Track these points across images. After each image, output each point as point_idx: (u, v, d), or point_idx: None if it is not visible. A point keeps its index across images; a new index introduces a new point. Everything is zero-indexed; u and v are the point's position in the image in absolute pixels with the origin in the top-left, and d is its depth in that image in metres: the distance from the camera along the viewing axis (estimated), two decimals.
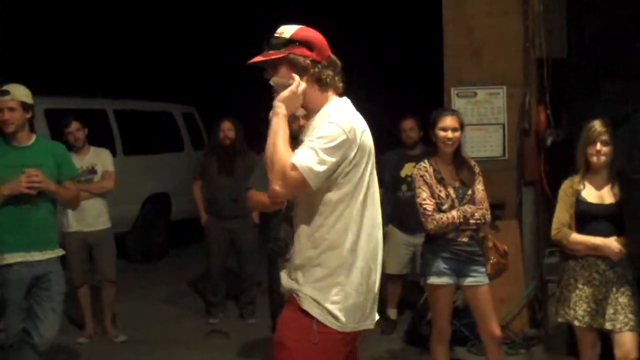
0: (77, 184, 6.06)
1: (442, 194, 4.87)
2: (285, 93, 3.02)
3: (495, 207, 5.88)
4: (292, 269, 3.09)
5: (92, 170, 6.74)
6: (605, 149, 4.58)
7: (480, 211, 4.89)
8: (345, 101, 3.12)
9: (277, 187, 2.91)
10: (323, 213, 2.97)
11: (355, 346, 3.21)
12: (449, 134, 4.89)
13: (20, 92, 4.80)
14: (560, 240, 4.67)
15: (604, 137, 4.58)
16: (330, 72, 3.07)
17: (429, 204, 4.85)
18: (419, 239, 6.50)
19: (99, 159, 6.82)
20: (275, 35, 3.07)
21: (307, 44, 3.04)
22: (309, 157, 2.87)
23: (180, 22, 15.88)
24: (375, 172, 3.11)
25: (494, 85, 6.62)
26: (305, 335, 2.97)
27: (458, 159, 5.00)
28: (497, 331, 4.94)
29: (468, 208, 4.85)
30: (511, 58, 6.59)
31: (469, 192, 4.92)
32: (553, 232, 4.71)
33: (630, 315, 4.49)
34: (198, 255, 8.70)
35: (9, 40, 13.48)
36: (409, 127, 6.79)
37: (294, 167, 2.87)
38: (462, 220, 4.82)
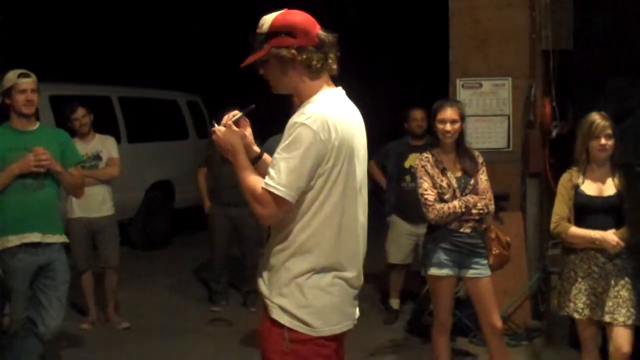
0: (82, 170, 6.12)
1: (444, 184, 4.87)
2: (219, 141, 2.99)
3: (499, 199, 5.87)
4: (264, 269, 2.98)
5: (97, 157, 6.77)
6: (609, 143, 4.57)
7: (483, 201, 4.88)
8: (336, 92, 2.98)
9: (258, 210, 2.83)
10: (297, 213, 2.85)
11: (341, 347, 3.06)
12: (447, 127, 4.88)
13: (34, 76, 4.89)
14: (559, 234, 4.67)
15: (608, 131, 4.56)
16: (320, 55, 2.90)
17: (430, 194, 4.84)
18: (422, 229, 6.51)
19: (104, 146, 6.85)
20: (257, 31, 2.94)
21: (288, 32, 2.87)
22: (277, 173, 2.77)
23: (186, 10, 15.85)
24: (359, 163, 2.96)
25: (499, 76, 6.61)
26: (279, 345, 2.87)
27: (460, 150, 4.99)
28: (499, 323, 4.94)
29: (470, 198, 4.85)
30: (517, 50, 6.58)
31: (472, 182, 4.91)
32: (552, 225, 4.70)
33: (632, 309, 4.49)
34: (201, 243, 8.71)
35: (13, 27, 13.50)
36: (420, 117, 6.76)
37: (263, 189, 2.79)
38: (463, 210, 4.81)
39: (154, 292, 8.12)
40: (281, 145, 2.81)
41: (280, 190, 2.77)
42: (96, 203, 6.70)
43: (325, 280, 2.88)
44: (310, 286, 2.86)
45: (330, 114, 2.83)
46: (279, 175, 2.77)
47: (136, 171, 9.50)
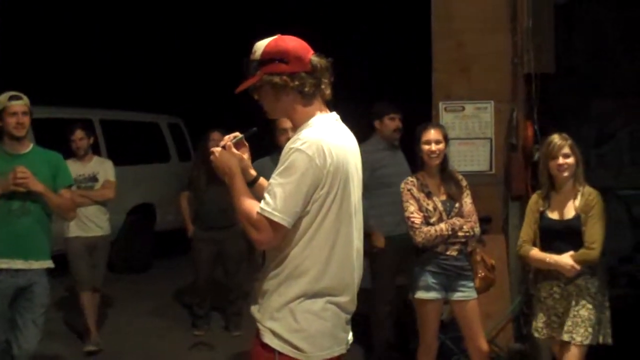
0: (77, 190, 6.17)
1: (430, 207, 4.89)
2: (217, 162, 3.01)
3: (482, 222, 5.87)
4: (258, 294, 2.97)
5: (93, 178, 6.86)
6: (567, 162, 4.62)
7: (469, 224, 4.91)
8: (330, 117, 3.00)
9: (254, 235, 2.84)
10: (292, 238, 2.85)
11: None
12: (433, 147, 4.91)
13: (26, 99, 4.90)
14: (521, 257, 4.82)
15: (565, 151, 4.63)
16: (312, 81, 2.91)
17: (416, 217, 4.86)
18: None
19: (102, 168, 6.95)
20: (250, 57, 2.97)
21: (280, 58, 2.90)
22: (273, 199, 2.78)
23: (167, 33, 15.86)
24: (354, 188, 2.98)
25: (482, 100, 6.65)
26: None
27: (445, 173, 5.03)
28: (485, 346, 4.95)
29: (456, 221, 4.87)
30: (499, 73, 6.61)
31: (457, 205, 4.94)
32: (517, 247, 4.82)
33: (590, 329, 4.54)
34: (182, 266, 8.67)
35: None
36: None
37: (259, 214, 2.80)
38: (450, 232, 4.83)
39: (134, 315, 8.05)
40: (277, 171, 2.82)
41: (276, 216, 2.78)
42: (92, 222, 6.77)
43: (318, 305, 2.88)
44: (303, 311, 2.86)
45: (326, 139, 2.85)
46: (274, 200, 2.78)
47: (118, 194, 9.42)
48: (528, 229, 4.75)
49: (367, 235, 5.79)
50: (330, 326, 2.91)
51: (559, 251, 4.60)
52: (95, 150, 8.44)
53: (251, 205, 2.88)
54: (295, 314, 2.86)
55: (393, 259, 6.08)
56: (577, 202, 4.65)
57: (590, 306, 4.56)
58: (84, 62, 15.13)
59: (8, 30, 13.91)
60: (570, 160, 4.63)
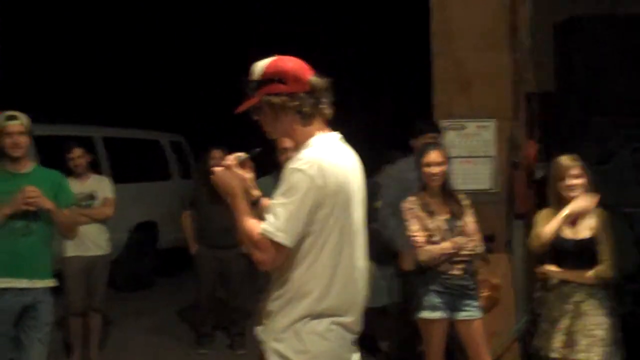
0: (77, 209, 6.12)
1: (433, 226, 4.90)
2: (219, 182, 3.01)
3: (485, 240, 5.87)
4: (261, 314, 2.99)
5: (91, 197, 6.80)
6: (576, 182, 4.64)
7: (472, 242, 4.92)
8: (330, 137, 3.01)
9: (256, 255, 2.85)
10: (295, 259, 2.86)
11: None
12: (433, 169, 4.93)
13: (25, 118, 4.87)
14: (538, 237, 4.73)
15: (574, 172, 4.65)
16: (311, 101, 2.93)
17: (420, 236, 4.87)
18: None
19: (100, 186, 6.89)
20: (249, 78, 2.99)
21: (279, 79, 2.91)
22: (275, 219, 2.79)
23: (169, 51, 15.92)
24: (356, 208, 2.98)
25: (483, 118, 6.66)
26: None
27: (446, 192, 5.04)
28: None
29: (460, 239, 4.88)
30: (500, 92, 6.62)
31: (459, 223, 4.95)
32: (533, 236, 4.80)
33: (607, 349, 4.54)
34: (185, 284, 8.67)
35: None
36: None
37: (262, 235, 2.81)
38: (453, 251, 4.84)
39: (138, 333, 8.04)
40: (279, 191, 2.84)
41: (278, 236, 2.79)
42: (90, 241, 6.70)
43: (322, 325, 2.88)
44: (308, 331, 2.87)
45: (326, 159, 2.86)
46: (277, 220, 2.79)
47: (120, 212, 9.41)
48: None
49: (396, 255, 5.78)
50: (336, 347, 2.92)
51: (569, 269, 4.61)
52: (96, 167, 8.48)
53: (253, 226, 2.88)
54: (300, 335, 2.87)
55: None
56: (590, 221, 4.67)
57: (605, 326, 4.56)
58: (87, 79, 15.18)
59: (11, 47, 13.98)
60: (579, 180, 4.65)
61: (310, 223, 2.83)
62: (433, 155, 4.95)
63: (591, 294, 4.59)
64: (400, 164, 6.10)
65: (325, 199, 2.83)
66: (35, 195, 4.69)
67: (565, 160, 4.71)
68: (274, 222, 2.80)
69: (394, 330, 6.85)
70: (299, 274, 2.87)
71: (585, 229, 4.68)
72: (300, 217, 2.80)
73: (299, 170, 2.82)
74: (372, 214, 6.54)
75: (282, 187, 2.84)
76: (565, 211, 4.62)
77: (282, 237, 2.79)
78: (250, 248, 2.88)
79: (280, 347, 2.88)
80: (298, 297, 2.87)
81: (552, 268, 4.69)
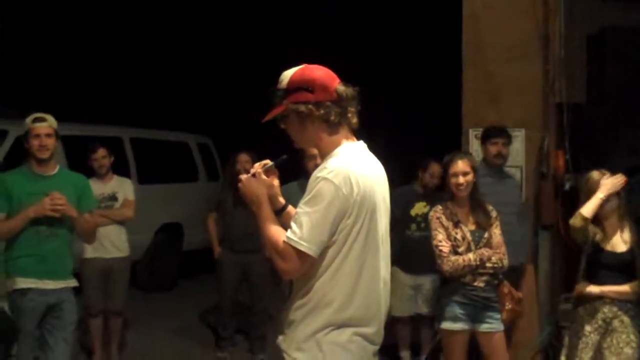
0: (97, 210, 6.15)
1: (459, 236, 4.86)
2: (245, 190, 3.01)
3: None
4: (285, 324, 2.97)
5: (113, 197, 6.79)
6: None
7: (497, 255, 4.87)
8: (357, 146, 3.00)
9: (280, 264, 2.85)
10: (318, 268, 2.85)
11: None
12: (460, 179, 4.89)
13: (52, 120, 4.91)
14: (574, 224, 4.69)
15: None
16: (337, 110, 2.92)
17: (445, 246, 4.83)
18: (422, 280, 6.47)
19: (121, 188, 6.88)
20: (277, 87, 2.98)
21: (306, 87, 2.91)
22: (299, 228, 2.78)
23: (199, 53, 15.99)
24: (380, 218, 2.97)
25: (512, 128, 6.60)
26: None
27: (474, 202, 4.99)
28: None
29: (485, 251, 4.83)
30: (530, 102, 6.58)
31: (486, 235, 4.90)
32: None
33: None
34: (208, 286, 8.66)
35: (24, 67, 13.63)
36: (437, 173, 6.46)
37: (286, 243, 2.80)
38: (478, 263, 4.79)
39: (159, 335, 8.05)
40: (304, 200, 2.83)
41: (302, 245, 2.77)
42: (110, 243, 6.69)
43: (344, 336, 2.87)
44: (329, 342, 2.85)
45: (352, 168, 2.84)
46: (301, 229, 2.78)
47: (146, 212, 9.48)
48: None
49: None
50: (357, 358, 2.90)
51: (610, 284, 4.56)
52: (124, 168, 8.54)
53: (278, 234, 2.88)
54: (321, 345, 2.85)
55: None
56: (626, 235, 4.64)
57: (634, 344, 4.51)
58: (115, 80, 15.29)
59: (41, 47, 14.13)
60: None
61: (335, 232, 2.82)
62: (460, 165, 4.90)
63: (623, 310, 4.54)
64: None
65: (350, 209, 2.81)
66: (61, 202, 4.71)
67: (596, 175, 4.68)
68: (298, 231, 2.79)
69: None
70: (322, 283, 2.86)
71: (621, 243, 4.64)
72: (325, 227, 2.79)
73: (325, 179, 2.80)
74: (405, 222, 6.59)
75: (308, 195, 2.83)
76: (600, 195, 4.57)
77: (306, 247, 2.78)
78: (274, 256, 2.87)
79: (301, 357, 2.87)
80: (320, 307, 2.86)
81: (592, 288, 4.62)
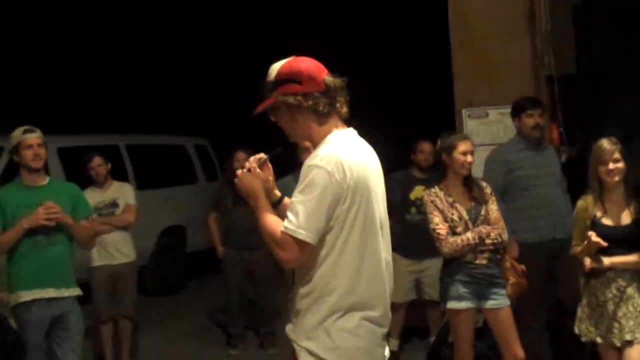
0: (99, 218, 6.27)
1: (455, 217, 4.87)
2: (240, 185, 3.04)
3: None
4: (291, 314, 3.00)
5: (114, 204, 6.79)
6: (617, 167, 4.56)
7: (496, 231, 4.88)
8: (347, 133, 3.02)
9: (280, 254, 2.87)
10: (319, 256, 2.87)
11: None
12: (470, 158, 4.91)
13: (40, 132, 4.93)
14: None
15: (616, 156, 4.56)
16: (326, 100, 2.95)
17: (442, 228, 4.84)
18: (424, 265, 6.46)
19: (121, 193, 6.88)
20: (266, 79, 3.02)
21: (294, 79, 2.94)
22: (296, 217, 2.80)
23: (191, 55, 15.98)
24: (378, 202, 2.99)
25: (505, 105, 6.60)
26: None
27: (469, 181, 5.01)
28: (521, 353, 4.90)
29: (483, 228, 4.85)
30: (521, 77, 6.60)
31: (482, 212, 4.91)
32: (571, 251, 4.68)
33: None
34: (216, 286, 8.68)
35: (16, 79, 13.62)
36: (428, 150, 6.57)
37: (284, 233, 2.82)
38: (477, 241, 4.80)
39: (170, 338, 8.07)
40: (298, 189, 2.85)
41: (300, 234, 2.80)
42: (115, 250, 6.70)
43: (352, 322, 2.89)
44: (337, 329, 2.88)
45: (343, 154, 2.87)
46: (297, 218, 2.80)
47: (147, 218, 9.48)
48: (580, 235, 4.63)
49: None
50: (366, 343, 2.93)
51: (613, 256, 4.55)
52: (122, 175, 8.55)
53: (275, 225, 2.90)
54: (330, 332, 2.87)
55: (534, 267, 5.42)
56: (632, 207, 4.61)
57: None
58: (108, 88, 15.28)
59: (28, 57, 14.11)
60: (620, 164, 4.55)
61: (331, 218, 2.84)
62: (468, 144, 4.93)
63: (635, 278, 4.53)
64: (503, 146, 6.03)
65: (344, 194, 2.83)
66: (56, 211, 4.73)
67: (606, 144, 4.59)
68: (294, 220, 2.81)
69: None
70: (325, 271, 2.88)
71: (626, 215, 4.60)
72: (321, 213, 2.81)
73: (317, 166, 2.83)
74: (405, 206, 6.58)
75: (301, 184, 2.85)
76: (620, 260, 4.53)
77: (304, 235, 2.80)
78: (273, 247, 2.89)
79: (310, 345, 2.89)
80: (325, 294, 2.88)
81: (604, 260, 4.53)
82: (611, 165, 4.55)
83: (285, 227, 2.82)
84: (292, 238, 2.81)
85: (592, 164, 4.65)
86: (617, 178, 4.58)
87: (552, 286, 5.70)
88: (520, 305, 5.36)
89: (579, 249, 4.60)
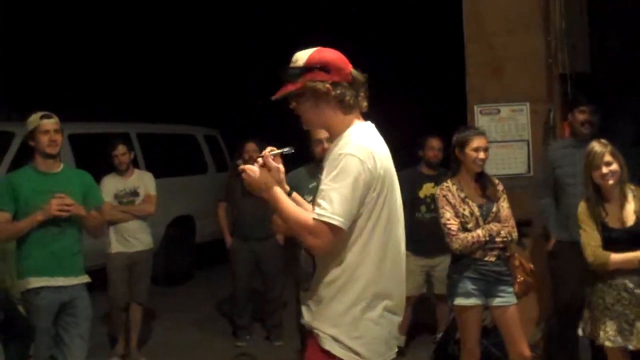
0: (119, 205, 6.43)
1: (467, 212, 4.85)
2: (251, 180, 3.03)
3: (521, 225, 5.79)
4: (311, 302, 3.02)
5: (135, 193, 6.86)
6: (611, 169, 4.51)
7: (506, 229, 4.86)
8: (368, 126, 3.07)
9: (311, 241, 2.88)
10: (347, 242, 2.91)
11: None
12: (482, 155, 4.89)
13: (57, 118, 4.95)
14: (600, 265, 4.50)
15: (607, 158, 4.51)
16: (352, 92, 3.00)
17: (453, 224, 4.82)
18: (435, 261, 6.43)
19: (142, 182, 6.95)
20: (290, 65, 3.04)
21: (323, 67, 2.98)
22: (330, 203, 2.82)
23: (204, 46, 15.98)
24: (396, 193, 3.05)
25: (517, 102, 6.58)
26: None
27: (481, 177, 4.99)
28: (527, 351, 4.89)
29: (493, 226, 4.83)
30: (534, 74, 6.54)
31: (494, 209, 4.89)
32: (590, 258, 4.55)
33: None
34: (224, 277, 8.69)
35: (28, 67, 13.66)
36: (437, 146, 6.61)
37: (317, 220, 2.84)
38: (487, 238, 4.79)
39: (176, 328, 8.08)
40: (328, 177, 2.88)
41: (337, 220, 2.82)
42: (133, 237, 6.78)
43: (377, 312, 2.95)
44: (363, 318, 2.92)
45: (372, 145, 2.94)
46: (331, 205, 2.82)
47: (157, 207, 9.51)
48: (594, 234, 4.55)
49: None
50: (386, 333, 3.00)
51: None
52: (132, 163, 8.57)
53: (303, 212, 2.94)
54: (355, 321, 2.92)
55: (568, 264, 5.48)
56: (633, 206, 4.56)
57: None
58: (120, 77, 15.30)
59: (44, 47, 14.14)
60: (613, 167, 4.51)
61: (362, 205, 2.88)
62: (482, 141, 4.91)
63: None
64: (554, 142, 6.03)
65: (375, 182, 2.89)
66: (69, 203, 4.75)
67: (597, 147, 4.54)
68: (328, 207, 2.83)
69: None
70: (352, 258, 2.92)
71: (630, 215, 4.56)
72: (355, 200, 2.85)
73: (349, 154, 2.87)
74: (414, 204, 6.55)
75: (332, 172, 2.87)
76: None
77: (339, 221, 2.83)
78: (303, 235, 2.90)
79: (336, 332, 2.92)
80: (352, 281, 2.92)
81: (622, 258, 4.45)
82: (604, 169, 4.51)
83: (319, 214, 2.84)
84: (326, 225, 2.83)
85: (586, 169, 4.62)
86: (611, 181, 4.53)
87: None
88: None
89: (604, 253, 4.50)
